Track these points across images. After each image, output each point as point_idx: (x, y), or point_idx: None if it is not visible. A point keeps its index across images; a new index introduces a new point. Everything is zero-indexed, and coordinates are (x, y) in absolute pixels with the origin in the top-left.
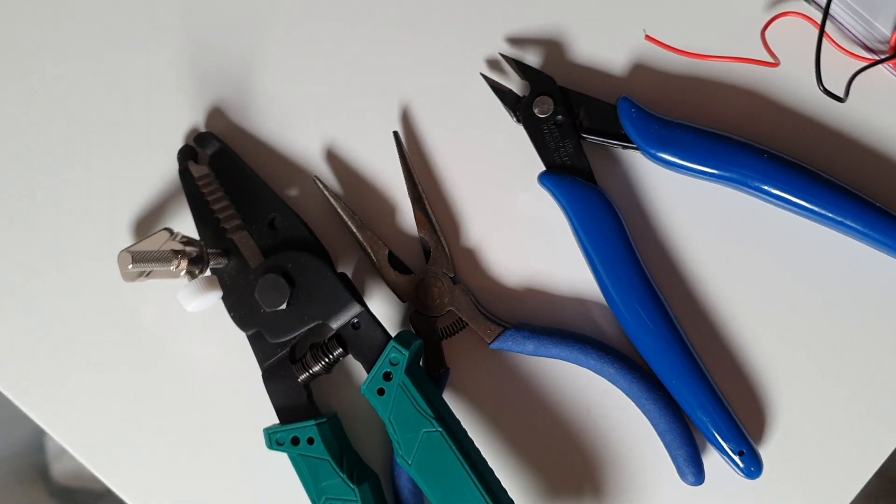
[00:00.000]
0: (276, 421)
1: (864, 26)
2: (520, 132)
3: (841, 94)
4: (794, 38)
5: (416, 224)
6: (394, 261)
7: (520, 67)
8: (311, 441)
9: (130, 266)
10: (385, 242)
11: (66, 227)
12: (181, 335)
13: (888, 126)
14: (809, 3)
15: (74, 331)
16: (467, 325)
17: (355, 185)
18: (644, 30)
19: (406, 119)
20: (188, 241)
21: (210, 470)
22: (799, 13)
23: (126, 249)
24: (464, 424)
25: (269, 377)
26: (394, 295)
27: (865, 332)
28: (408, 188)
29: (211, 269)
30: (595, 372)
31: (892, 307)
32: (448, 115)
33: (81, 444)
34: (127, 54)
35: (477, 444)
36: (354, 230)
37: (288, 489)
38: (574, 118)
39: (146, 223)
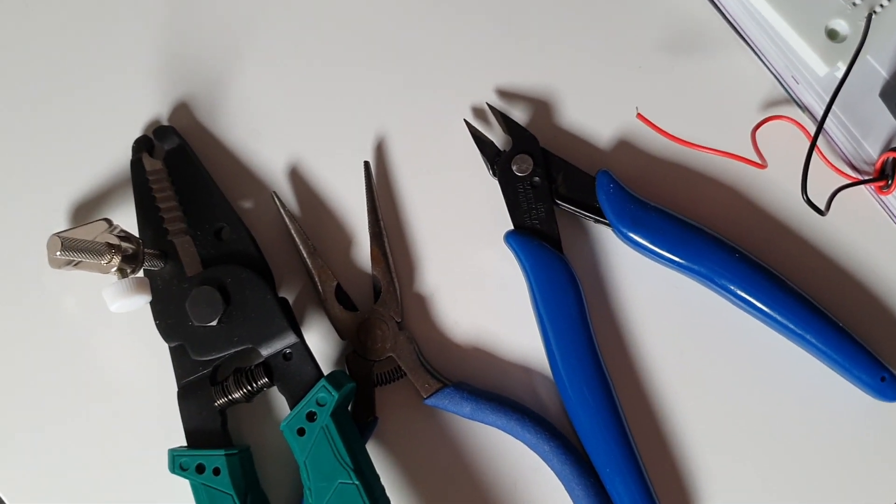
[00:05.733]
0: (184, 444)
1: (852, 144)
2: (494, 187)
3: (822, 206)
4: (783, 141)
5: (371, 261)
6: (340, 295)
7: (505, 121)
8: (217, 472)
9: (59, 253)
10: (335, 274)
11: (1, 198)
12: (99, 334)
13: (862, 247)
14: (803, 111)
15: None
16: (405, 375)
17: (314, 209)
18: (637, 108)
19: (380, 151)
20: (125, 237)
21: (105, 483)
22: (791, 118)
23: (57, 234)
24: (383, 479)
25: (184, 396)
26: (334, 330)
27: (807, 449)
28: (369, 222)
29: (144, 270)
30: (529, 446)
31: (839, 430)
32: (423, 156)
33: None
34: (102, 29)
35: (394, 502)
36: (305, 255)
37: None
38: (551, 182)
39: (86, 209)
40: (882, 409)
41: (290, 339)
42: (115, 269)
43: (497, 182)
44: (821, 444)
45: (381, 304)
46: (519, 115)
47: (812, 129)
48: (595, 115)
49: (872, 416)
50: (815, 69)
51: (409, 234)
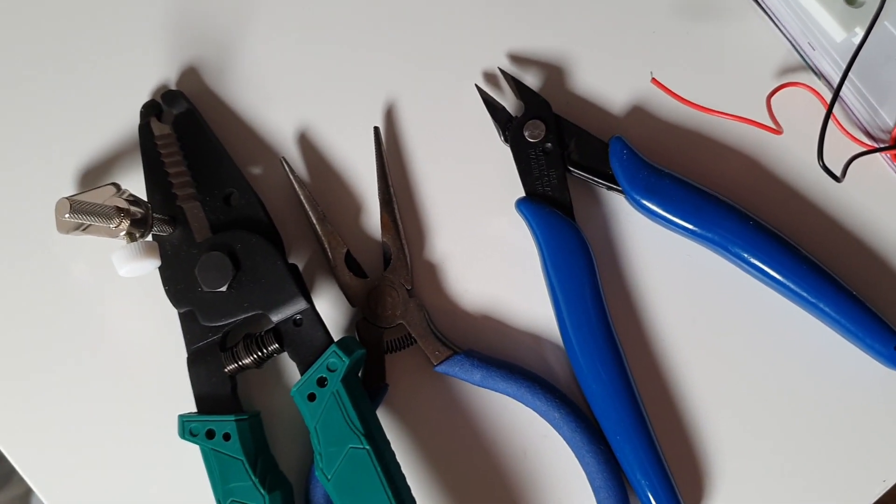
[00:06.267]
0: (194, 409)
1: (868, 111)
2: (505, 153)
3: (838, 173)
4: (798, 108)
5: (381, 227)
6: (350, 262)
7: (517, 86)
8: (227, 437)
9: (67, 215)
10: (345, 240)
11: (8, 160)
12: (109, 299)
13: (877, 215)
14: (819, 78)
15: None
16: (415, 342)
17: (324, 175)
18: (651, 72)
19: (390, 116)
20: (134, 201)
21: (115, 449)
22: (807, 85)
23: (66, 197)
24: (394, 446)
25: (194, 361)
26: (344, 297)
27: (819, 418)
28: (379, 188)
29: (153, 235)
30: (539, 414)
31: (852, 398)
32: (434, 121)
33: None
34: None
35: (403, 468)
36: (315, 222)
37: (194, 481)
38: (563, 149)
39: (94, 174)
40: (895, 378)
41: (301, 304)
42: (123, 232)
43: (509, 148)
44: (833, 413)
45: (392, 270)
46: (531, 80)
47: (828, 96)
48: (609, 80)
49: (885, 385)
50: (832, 35)
51: (420, 200)
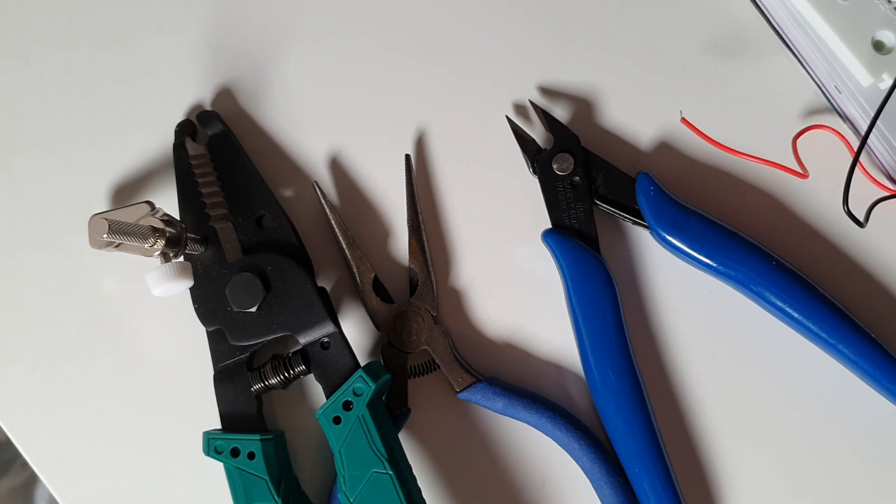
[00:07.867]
0: (219, 426)
1: (892, 156)
2: (533, 184)
3: (860, 217)
4: (822, 150)
5: (409, 254)
6: (378, 287)
7: (547, 119)
8: (251, 456)
9: (105, 235)
10: (373, 266)
11: (44, 176)
12: (138, 315)
13: None
14: (844, 121)
15: (24, 286)
16: (439, 368)
17: (355, 200)
18: (681, 112)
19: (420, 144)
20: (169, 221)
21: (140, 461)
22: (832, 128)
23: (102, 215)
24: (414, 470)
25: (220, 380)
26: (370, 321)
27: (837, 461)
28: (408, 215)
29: (185, 255)
30: (558, 443)
31: (871, 442)
32: (464, 151)
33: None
34: (148, 12)
35: (424, 492)
36: (344, 246)
37: (216, 499)
38: (591, 182)
39: (127, 190)
40: None
41: (329, 328)
42: (158, 252)
43: (537, 180)
44: (852, 456)
45: (418, 297)
46: (561, 113)
47: (852, 139)
48: (637, 116)
49: None
50: (858, 80)
51: (447, 228)
